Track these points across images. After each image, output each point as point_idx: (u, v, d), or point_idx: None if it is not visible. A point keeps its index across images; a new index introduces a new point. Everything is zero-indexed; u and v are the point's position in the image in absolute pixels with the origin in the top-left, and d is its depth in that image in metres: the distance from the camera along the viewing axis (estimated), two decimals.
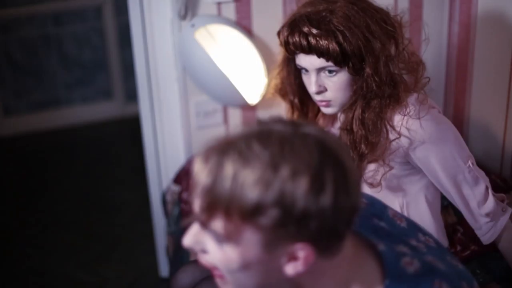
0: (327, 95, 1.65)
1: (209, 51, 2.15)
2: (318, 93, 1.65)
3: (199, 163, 1.00)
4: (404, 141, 1.60)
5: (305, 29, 1.58)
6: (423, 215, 1.70)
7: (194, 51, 2.16)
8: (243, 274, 1.02)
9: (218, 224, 0.99)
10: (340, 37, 1.56)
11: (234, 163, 0.96)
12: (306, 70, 1.65)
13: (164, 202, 2.41)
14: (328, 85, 1.64)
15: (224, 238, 0.99)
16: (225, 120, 2.37)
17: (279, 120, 1.02)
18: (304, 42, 1.59)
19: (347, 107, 1.66)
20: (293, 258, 0.99)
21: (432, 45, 2.36)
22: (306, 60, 1.63)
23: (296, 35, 1.60)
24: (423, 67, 1.69)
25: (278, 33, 1.67)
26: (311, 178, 0.94)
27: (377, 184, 1.65)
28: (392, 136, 1.60)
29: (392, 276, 1.07)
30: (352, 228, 1.04)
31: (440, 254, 1.18)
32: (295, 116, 1.86)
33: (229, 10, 2.23)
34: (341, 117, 1.74)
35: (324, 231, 0.97)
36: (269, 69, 2.28)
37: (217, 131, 2.37)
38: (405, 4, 2.29)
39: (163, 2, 2.19)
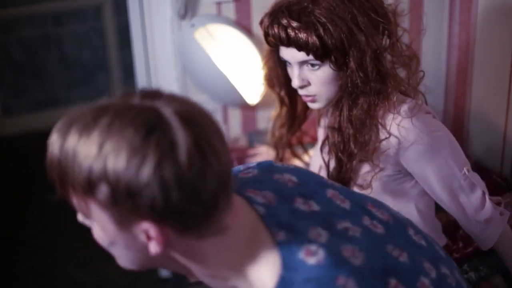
0: (311, 90, 1.58)
1: (209, 51, 2.14)
2: (301, 87, 1.58)
3: (52, 135, 1.00)
4: (394, 141, 1.51)
5: (284, 21, 1.50)
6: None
7: (194, 51, 2.15)
8: (117, 250, 1.06)
9: (74, 199, 1.03)
10: (321, 30, 1.48)
11: (74, 137, 0.96)
12: (289, 63, 1.58)
13: None
14: (311, 79, 1.56)
15: (84, 214, 1.04)
16: (225, 119, 2.37)
17: (134, 91, 1.01)
18: (283, 35, 1.51)
19: (334, 104, 1.58)
20: (148, 237, 0.99)
21: (432, 44, 2.36)
22: (287, 53, 1.55)
23: (275, 27, 1.52)
24: (417, 61, 1.60)
25: (260, 23, 1.59)
26: (130, 153, 0.92)
27: (367, 186, 1.57)
28: (382, 135, 1.52)
29: (287, 268, 1.03)
30: (230, 209, 1.01)
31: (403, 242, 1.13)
32: (284, 111, 1.79)
33: (229, 10, 2.23)
34: (328, 114, 1.67)
35: (167, 208, 0.94)
36: None
37: None
38: (404, 5, 2.29)
39: (163, 2, 2.19)
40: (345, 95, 1.54)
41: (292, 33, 1.50)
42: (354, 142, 1.55)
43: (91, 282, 2.67)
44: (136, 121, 0.95)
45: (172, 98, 1.01)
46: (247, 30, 2.25)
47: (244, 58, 2.19)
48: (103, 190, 0.95)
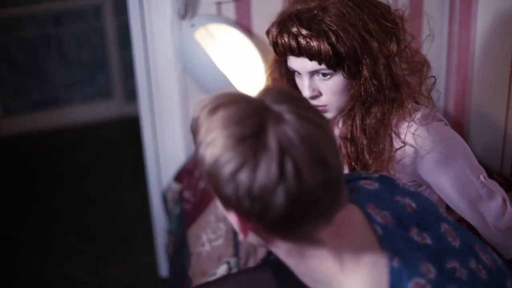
0: (322, 100, 1.52)
1: (209, 51, 2.14)
2: (313, 97, 1.51)
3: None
4: (409, 150, 1.48)
5: (294, 30, 1.45)
6: None
7: (194, 51, 2.15)
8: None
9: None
10: (333, 38, 1.43)
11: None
12: (299, 73, 1.52)
13: (165, 200, 2.41)
14: (322, 89, 1.51)
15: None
16: None
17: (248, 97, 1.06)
18: (294, 44, 1.45)
19: (346, 113, 1.53)
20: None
21: (432, 44, 2.36)
22: (297, 63, 1.50)
23: (285, 36, 1.46)
24: (428, 67, 1.56)
25: (267, 32, 1.54)
26: (235, 160, 0.97)
27: None
28: (396, 144, 1.48)
29: None
30: (325, 223, 1.03)
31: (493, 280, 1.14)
32: None
33: (229, 10, 2.23)
34: (339, 123, 1.62)
35: (247, 210, 0.99)
36: None
37: None
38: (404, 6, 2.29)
39: (163, 2, 2.19)
40: (357, 104, 1.50)
41: (303, 42, 1.45)
42: (369, 152, 1.50)
43: (91, 282, 2.67)
44: (245, 125, 0.99)
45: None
46: (247, 30, 2.25)
47: (244, 58, 2.19)
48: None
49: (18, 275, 2.72)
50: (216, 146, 0.98)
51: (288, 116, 0.99)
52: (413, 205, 1.18)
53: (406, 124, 1.49)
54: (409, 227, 1.14)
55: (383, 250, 1.08)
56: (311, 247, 1.07)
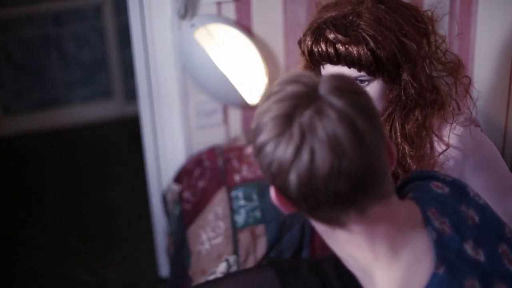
0: None
1: (209, 51, 2.15)
2: None
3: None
4: (453, 152, 1.45)
5: (331, 36, 1.40)
6: None
7: (194, 51, 2.16)
8: None
9: None
10: (372, 43, 1.39)
11: None
12: None
13: (165, 201, 2.41)
14: None
15: None
16: (225, 120, 2.37)
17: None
18: (332, 51, 1.41)
19: (384, 119, 1.48)
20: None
21: None
22: (334, 71, 1.44)
23: (322, 44, 1.41)
24: (463, 68, 1.52)
25: (299, 42, 1.50)
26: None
27: None
28: (439, 147, 1.45)
29: None
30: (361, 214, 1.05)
31: None
32: None
33: (229, 10, 2.23)
34: None
35: (282, 185, 1.04)
36: (269, 69, 2.28)
37: (217, 131, 2.37)
38: None
39: (163, 2, 2.19)
40: (397, 109, 1.46)
41: (342, 49, 1.40)
42: (411, 157, 1.47)
43: (91, 282, 2.67)
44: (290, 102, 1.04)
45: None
46: (247, 30, 2.25)
47: (244, 58, 2.19)
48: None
49: (18, 275, 2.72)
50: (262, 115, 1.05)
51: (330, 112, 1.01)
52: (476, 218, 1.16)
53: (448, 126, 1.46)
54: (466, 239, 1.12)
55: (432, 255, 1.08)
56: (344, 233, 1.09)
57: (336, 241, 1.12)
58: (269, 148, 1.02)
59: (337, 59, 1.42)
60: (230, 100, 2.27)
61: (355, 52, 1.40)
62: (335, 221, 1.07)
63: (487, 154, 1.47)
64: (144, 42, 2.26)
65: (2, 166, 3.47)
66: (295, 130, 1.00)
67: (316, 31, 1.44)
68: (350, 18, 1.42)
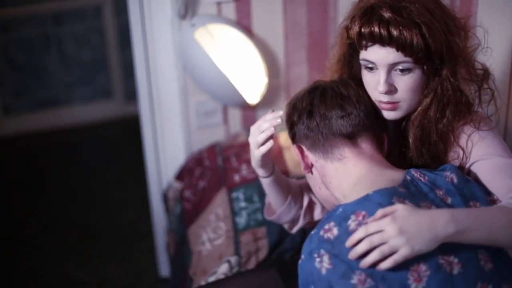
0: (396, 96, 1.45)
1: (209, 51, 2.15)
2: (387, 93, 1.44)
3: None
4: (461, 153, 1.45)
5: (388, 15, 1.38)
6: None
7: (194, 51, 2.16)
8: None
9: None
10: (425, 29, 1.38)
11: None
12: (371, 68, 1.45)
13: (166, 199, 2.41)
14: (399, 84, 1.43)
15: None
16: (225, 120, 2.37)
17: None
18: (384, 32, 1.38)
19: (420, 112, 1.47)
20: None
21: None
22: (378, 54, 1.41)
23: (375, 23, 1.38)
24: (489, 76, 1.53)
25: (344, 28, 1.48)
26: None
27: None
28: (456, 147, 1.46)
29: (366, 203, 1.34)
30: (352, 146, 1.45)
31: None
32: None
33: (229, 10, 2.23)
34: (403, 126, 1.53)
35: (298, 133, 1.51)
36: (269, 69, 2.28)
37: (217, 131, 2.37)
38: None
39: (163, 2, 2.19)
40: (433, 104, 1.46)
41: (395, 31, 1.38)
42: (433, 154, 1.48)
43: (91, 282, 2.67)
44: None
45: None
46: (247, 30, 2.25)
47: (244, 58, 2.19)
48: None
49: (18, 275, 2.72)
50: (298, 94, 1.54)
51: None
52: (455, 180, 1.39)
53: (469, 128, 1.46)
54: (438, 188, 1.37)
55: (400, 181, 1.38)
56: (338, 164, 1.45)
57: (329, 178, 1.46)
58: (297, 106, 1.52)
59: (389, 39, 1.39)
60: (230, 100, 2.27)
61: (408, 36, 1.38)
62: (332, 154, 1.45)
63: (508, 158, 1.45)
64: (144, 42, 2.26)
65: (2, 166, 3.47)
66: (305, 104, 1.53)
67: (369, 11, 1.42)
68: (403, 3, 1.41)
